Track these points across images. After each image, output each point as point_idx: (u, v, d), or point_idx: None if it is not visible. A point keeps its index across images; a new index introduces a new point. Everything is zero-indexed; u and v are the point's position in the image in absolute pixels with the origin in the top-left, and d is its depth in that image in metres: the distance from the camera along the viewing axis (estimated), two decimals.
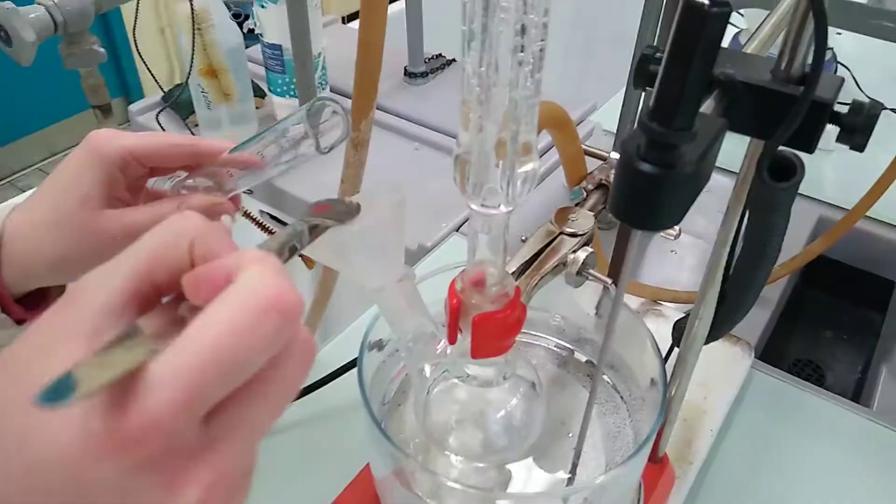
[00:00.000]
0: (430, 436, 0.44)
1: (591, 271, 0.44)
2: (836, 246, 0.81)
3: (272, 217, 1.08)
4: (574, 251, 0.44)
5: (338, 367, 0.68)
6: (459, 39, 0.31)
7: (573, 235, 0.45)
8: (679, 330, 0.56)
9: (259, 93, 1.15)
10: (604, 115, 1.16)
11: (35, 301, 0.47)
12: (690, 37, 0.24)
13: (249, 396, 0.24)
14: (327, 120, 0.46)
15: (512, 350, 0.42)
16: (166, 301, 0.26)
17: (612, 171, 0.47)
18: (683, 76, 0.25)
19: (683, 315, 0.59)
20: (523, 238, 0.45)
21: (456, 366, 0.43)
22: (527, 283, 0.42)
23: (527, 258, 0.43)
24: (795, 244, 0.93)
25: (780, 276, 0.86)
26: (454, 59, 1.28)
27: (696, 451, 0.65)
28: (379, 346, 0.47)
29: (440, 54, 1.28)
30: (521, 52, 0.30)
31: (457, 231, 0.92)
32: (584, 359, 0.52)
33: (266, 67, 1.10)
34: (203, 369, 0.22)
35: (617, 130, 0.85)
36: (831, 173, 1.04)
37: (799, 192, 0.33)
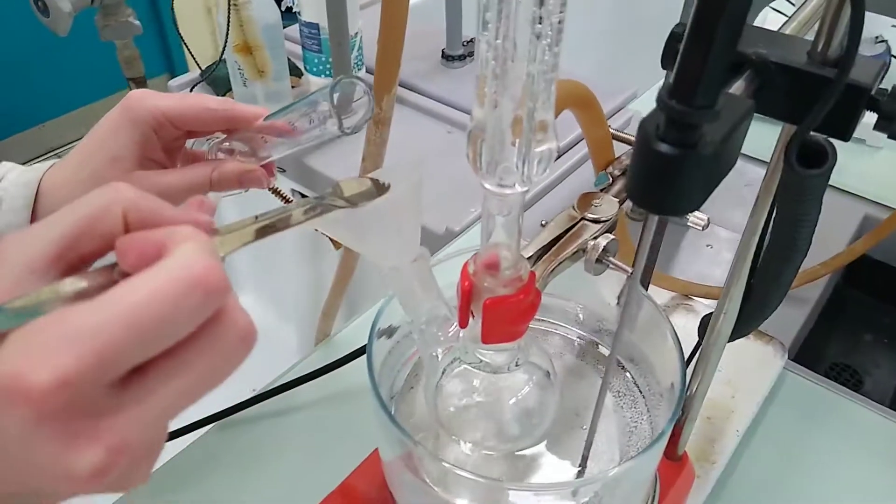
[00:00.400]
0: (439, 422, 0.43)
1: (611, 259, 0.42)
2: (880, 246, 0.78)
3: (303, 196, 1.08)
4: (595, 237, 0.42)
5: (359, 346, 0.67)
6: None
7: (596, 221, 0.43)
8: (705, 325, 0.54)
9: (296, 72, 1.15)
10: (644, 104, 1.13)
11: None
12: (714, 7, 0.23)
13: (167, 368, 0.24)
14: (355, 100, 0.46)
15: (525, 337, 0.41)
16: (103, 266, 0.27)
17: None
18: (706, 50, 0.23)
19: (712, 311, 0.57)
20: (543, 223, 0.44)
21: (467, 351, 0.42)
22: (543, 268, 0.41)
23: (545, 243, 0.42)
24: (838, 243, 0.90)
25: (820, 276, 0.83)
26: None
27: (719, 451, 0.63)
28: (389, 332, 0.46)
29: None
30: (539, 23, 0.28)
31: None
32: (604, 350, 0.51)
33: (303, 46, 1.09)
34: (117, 332, 0.22)
35: None
36: (879, 170, 1.00)
37: (845, 189, 0.32)
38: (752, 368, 0.71)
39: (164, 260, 0.24)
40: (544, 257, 0.41)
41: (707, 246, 1.04)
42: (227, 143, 0.49)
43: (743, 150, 0.29)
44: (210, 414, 0.66)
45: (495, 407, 0.43)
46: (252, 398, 0.68)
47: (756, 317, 0.42)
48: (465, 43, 1.22)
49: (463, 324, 0.40)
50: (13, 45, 1.31)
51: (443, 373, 0.44)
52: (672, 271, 1.03)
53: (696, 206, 0.28)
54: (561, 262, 0.41)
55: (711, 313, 0.55)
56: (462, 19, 1.18)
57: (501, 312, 0.37)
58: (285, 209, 0.34)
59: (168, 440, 0.65)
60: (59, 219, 0.27)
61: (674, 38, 0.34)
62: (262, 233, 0.32)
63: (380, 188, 0.41)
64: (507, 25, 0.29)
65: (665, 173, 0.26)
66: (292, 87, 1.12)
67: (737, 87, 0.31)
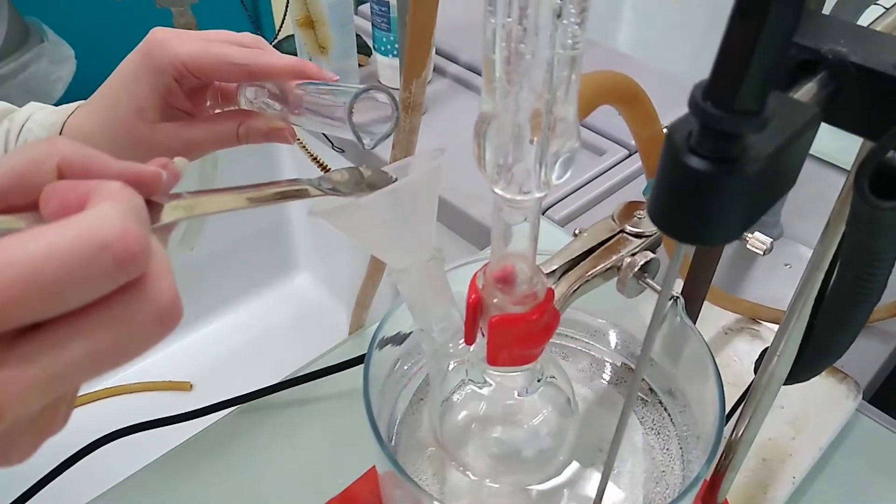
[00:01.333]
0: (442, 446, 0.39)
1: (649, 281, 0.37)
2: None
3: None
4: (633, 254, 0.37)
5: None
6: None
7: (637, 236, 0.38)
8: (762, 356, 0.48)
9: (365, 50, 1.12)
10: None
11: None
12: None
13: (63, 332, 0.22)
14: (380, 118, 0.42)
15: (543, 358, 0.36)
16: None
17: None
18: (752, 37, 0.18)
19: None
20: (577, 231, 0.39)
21: (476, 370, 0.37)
22: (567, 285, 0.36)
23: (575, 255, 0.37)
24: None
25: None
26: None
27: (770, 499, 0.56)
28: (398, 340, 0.42)
29: None
30: None
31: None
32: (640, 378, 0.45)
33: (373, 24, 1.06)
34: (9, 285, 0.20)
35: None
36: None
37: None
38: (819, 408, 0.63)
39: (77, 215, 0.22)
40: (571, 272, 0.36)
41: (785, 265, 0.95)
42: (266, 99, 0.47)
43: (837, 155, 0.23)
44: (233, 396, 0.64)
45: (504, 434, 0.39)
46: (276, 384, 0.66)
47: (817, 363, 0.36)
48: None
49: (469, 341, 0.35)
50: (86, 18, 1.34)
51: (450, 391, 0.40)
52: (742, 290, 0.94)
53: (735, 236, 0.22)
54: (590, 280, 0.36)
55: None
56: None
57: (510, 333, 0.33)
58: (259, 185, 0.31)
59: (191, 419, 0.64)
60: None
61: None
62: (223, 204, 0.29)
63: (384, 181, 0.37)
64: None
65: (696, 194, 0.21)
66: (360, 65, 1.09)
67: (806, 90, 0.25)
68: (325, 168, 0.91)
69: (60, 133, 0.44)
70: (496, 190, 0.29)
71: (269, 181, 0.32)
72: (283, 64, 0.43)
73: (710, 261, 0.43)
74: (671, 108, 0.37)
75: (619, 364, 0.47)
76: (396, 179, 0.37)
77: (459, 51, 1.11)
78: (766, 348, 0.48)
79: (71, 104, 0.46)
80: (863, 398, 0.64)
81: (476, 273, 0.34)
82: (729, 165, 0.21)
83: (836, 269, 0.30)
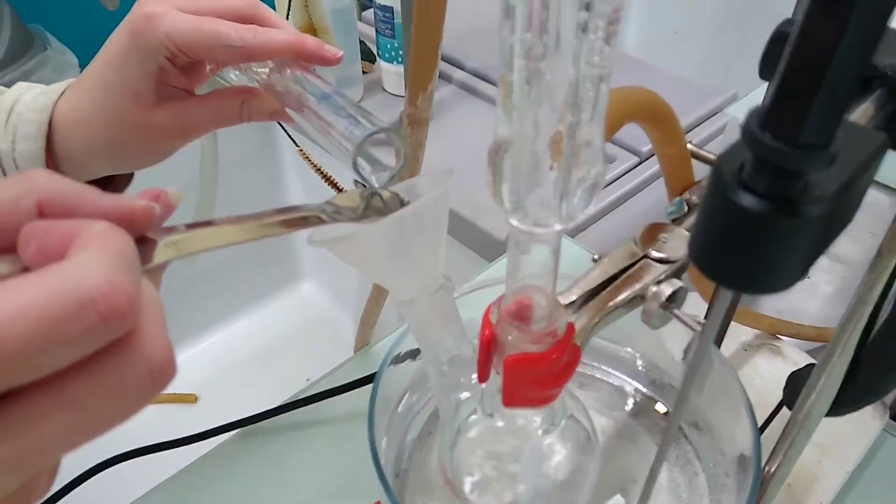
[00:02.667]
0: (451, 485, 0.36)
1: (677, 312, 0.34)
2: None
3: (364, 188, 1.03)
4: (659, 282, 0.34)
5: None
6: None
7: (662, 262, 0.35)
8: (793, 386, 0.45)
9: (369, 57, 1.10)
10: (744, 109, 1.02)
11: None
12: None
13: (43, 401, 0.19)
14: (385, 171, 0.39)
15: (562, 393, 0.33)
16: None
17: None
18: (827, 56, 0.15)
19: (805, 365, 0.47)
20: (595, 257, 0.36)
21: (489, 404, 0.35)
22: (589, 317, 0.33)
23: (595, 284, 0.34)
24: None
25: None
26: None
27: None
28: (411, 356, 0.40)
29: None
30: (587, 10, 0.21)
31: None
32: (662, 409, 0.42)
33: (377, 30, 1.03)
34: None
35: None
36: None
37: None
38: (845, 429, 0.60)
39: (55, 265, 0.19)
40: (591, 302, 0.34)
41: (806, 276, 0.92)
42: (279, 78, 0.43)
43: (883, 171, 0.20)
44: (235, 419, 0.62)
45: (519, 474, 0.36)
46: (279, 406, 0.63)
47: (860, 400, 0.33)
48: None
49: (482, 378, 0.32)
50: (89, 25, 1.33)
51: (460, 426, 0.37)
52: (758, 303, 0.92)
53: (790, 284, 0.19)
54: (613, 311, 0.33)
55: (801, 371, 0.45)
56: None
57: (527, 373, 0.30)
58: (260, 214, 0.28)
59: (189, 443, 0.61)
60: None
61: (779, 39, 0.25)
62: (222, 238, 0.26)
63: (398, 204, 0.35)
64: (543, 11, 0.21)
65: (747, 237, 0.18)
66: (364, 72, 1.07)
67: (861, 112, 0.23)
68: (328, 178, 0.88)
69: (51, 116, 0.41)
70: (513, 221, 0.26)
71: (271, 209, 0.30)
72: (280, 41, 0.40)
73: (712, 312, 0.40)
74: (682, 114, 0.34)
75: (638, 393, 0.44)
76: (409, 202, 0.35)
77: (465, 57, 1.09)
78: (794, 372, 0.45)
79: (60, 84, 0.43)
80: (889, 416, 0.61)
81: (490, 306, 0.31)
82: (788, 205, 0.18)
83: (890, 303, 0.27)
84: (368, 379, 0.62)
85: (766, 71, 0.25)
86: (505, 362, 0.29)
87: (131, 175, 0.47)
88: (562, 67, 0.22)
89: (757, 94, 1.06)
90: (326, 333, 1.32)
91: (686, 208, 0.37)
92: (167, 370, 0.21)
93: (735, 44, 1.43)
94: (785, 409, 0.48)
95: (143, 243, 0.24)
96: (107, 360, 0.20)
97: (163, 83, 0.41)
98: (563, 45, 0.22)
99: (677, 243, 0.35)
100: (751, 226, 0.18)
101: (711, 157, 0.37)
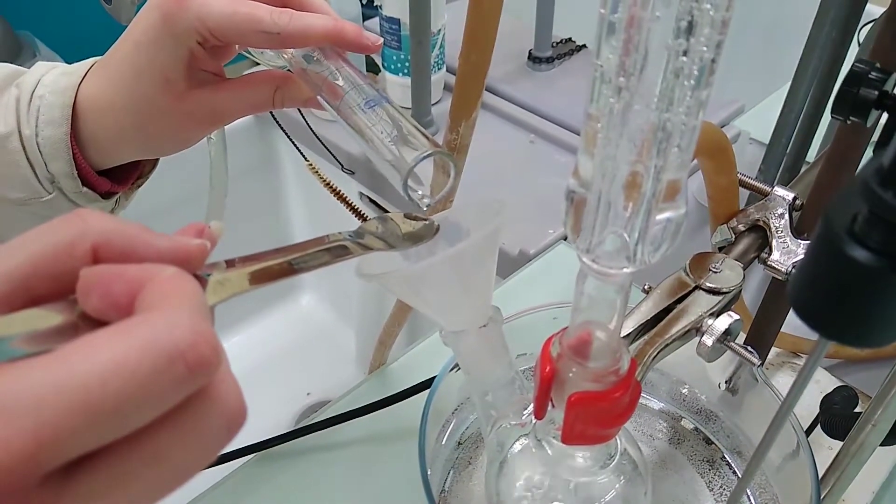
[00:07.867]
0: None
1: (732, 344, 0.33)
2: None
3: (371, 201, 1.02)
4: (713, 314, 0.34)
5: (420, 380, 0.60)
6: (594, 24, 0.22)
7: (714, 293, 0.35)
8: (828, 408, 0.45)
9: (373, 68, 1.09)
10: (752, 122, 1.02)
11: (127, 172, 0.44)
12: None
13: (126, 460, 0.18)
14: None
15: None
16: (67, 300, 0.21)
17: (775, 211, 0.36)
18: None
19: (836, 387, 0.47)
20: (646, 287, 0.36)
21: (542, 434, 0.34)
22: (645, 351, 0.33)
23: (649, 316, 0.34)
24: None
25: None
26: (584, 45, 1.16)
27: None
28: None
29: (570, 38, 1.17)
30: (684, 56, 0.20)
31: (564, 240, 0.82)
32: (705, 432, 0.42)
33: (382, 42, 1.03)
34: (64, 411, 0.17)
35: (770, 142, 0.72)
36: None
37: None
38: None
39: (138, 317, 0.19)
40: (647, 336, 0.33)
41: None
42: (317, 63, 0.41)
43: None
44: (250, 444, 0.61)
45: None
46: (297, 430, 0.62)
47: None
48: (554, 44, 1.13)
49: (539, 415, 0.32)
50: (79, 32, 1.31)
51: (508, 452, 0.36)
52: None
53: None
54: (668, 345, 0.33)
55: (835, 393, 0.45)
56: (553, 18, 1.09)
57: (590, 412, 0.29)
58: (303, 245, 0.28)
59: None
60: (9, 252, 0.21)
61: (855, 79, 0.25)
62: (273, 275, 0.25)
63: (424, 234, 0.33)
64: (637, 57, 0.21)
65: (860, 292, 0.18)
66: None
67: None
68: (338, 193, 0.87)
69: (75, 99, 0.39)
70: (584, 260, 0.26)
71: (307, 240, 0.29)
72: (318, 28, 0.38)
73: (780, 309, 0.40)
74: None
75: (678, 419, 0.43)
76: (438, 227, 0.34)
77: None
78: (831, 392, 0.45)
79: (83, 63, 0.41)
80: None
81: (550, 339, 0.31)
82: None
83: None
84: (388, 401, 0.61)
85: (839, 110, 0.25)
86: (569, 400, 0.29)
87: (157, 161, 0.46)
88: (650, 110, 0.22)
89: (763, 106, 1.07)
90: (327, 346, 1.30)
91: (733, 237, 0.37)
92: (242, 417, 0.21)
93: (742, 56, 1.44)
94: (813, 430, 0.48)
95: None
96: (189, 412, 0.19)
97: (193, 68, 0.39)
98: (649, 87, 0.21)
99: (729, 274, 0.35)
100: (864, 280, 0.18)
101: (764, 187, 0.36)
